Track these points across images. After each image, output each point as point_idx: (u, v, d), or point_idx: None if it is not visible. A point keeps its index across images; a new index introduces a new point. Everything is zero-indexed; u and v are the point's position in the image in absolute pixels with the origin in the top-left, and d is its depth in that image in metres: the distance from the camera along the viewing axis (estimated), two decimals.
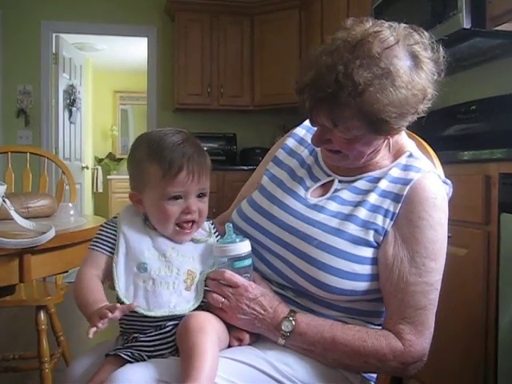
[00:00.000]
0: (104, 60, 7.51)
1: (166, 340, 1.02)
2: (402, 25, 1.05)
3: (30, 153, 2.67)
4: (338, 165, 1.16)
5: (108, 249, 1.07)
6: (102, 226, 1.12)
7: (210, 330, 0.97)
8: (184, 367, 0.91)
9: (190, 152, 1.06)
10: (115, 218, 1.13)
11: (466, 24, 2.28)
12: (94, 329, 0.92)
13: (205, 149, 1.14)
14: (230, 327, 1.06)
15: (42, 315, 2.13)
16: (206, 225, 1.16)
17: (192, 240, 1.11)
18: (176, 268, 1.05)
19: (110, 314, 0.91)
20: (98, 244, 1.08)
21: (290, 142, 1.30)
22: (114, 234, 1.09)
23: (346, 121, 1.00)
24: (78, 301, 1.02)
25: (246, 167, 4.73)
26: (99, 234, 1.10)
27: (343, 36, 1.02)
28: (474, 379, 1.77)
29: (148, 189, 1.08)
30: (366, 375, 1.12)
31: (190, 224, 1.08)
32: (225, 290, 1.05)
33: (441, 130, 2.75)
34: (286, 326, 1.03)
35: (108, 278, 1.07)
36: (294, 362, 1.03)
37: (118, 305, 0.93)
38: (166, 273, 1.04)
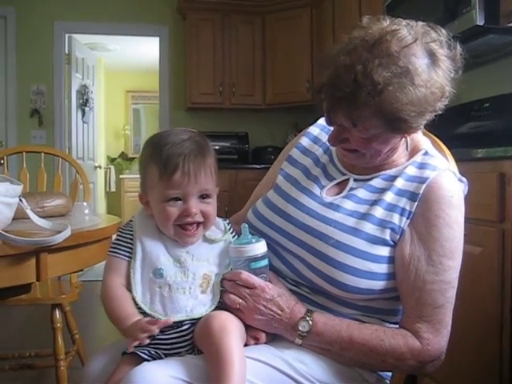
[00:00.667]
0: (116, 60, 7.56)
1: (184, 338, 1.02)
2: (420, 23, 1.04)
3: (45, 153, 2.69)
4: (354, 163, 1.16)
5: (127, 254, 1.08)
6: (119, 230, 1.13)
7: (232, 330, 0.98)
8: (213, 372, 0.92)
9: (187, 151, 1.04)
10: (131, 221, 1.13)
11: (480, 21, 2.26)
12: (137, 342, 0.94)
13: (212, 147, 1.11)
14: (246, 326, 1.06)
15: (57, 313, 2.15)
16: (222, 223, 1.15)
17: (206, 241, 1.11)
18: (192, 273, 1.05)
19: (155, 330, 0.94)
20: (116, 250, 1.09)
21: (304, 140, 1.30)
22: (131, 239, 1.09)
23: (365, 120, 1.00)
24: (109, 313, 1.04)
25: (258, 166, 4.73)
26: (117, 239, 1.11)
27: (360, 35, 1.02)
28: (488, 377, 1.76)
29: (150, 190, 1.08)
30: (381, 373, 1.12)
31: (194, 226, 1.07)
32: (242, 290, 1.05)
33: (454, 127, 2.73)
34: (303, 326, 1.03)
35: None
36: (311, 360, 1.03)
37: (158, 320, 0.96)
38: (181, 278, 1.04)
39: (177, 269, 1.05)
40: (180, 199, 1.05)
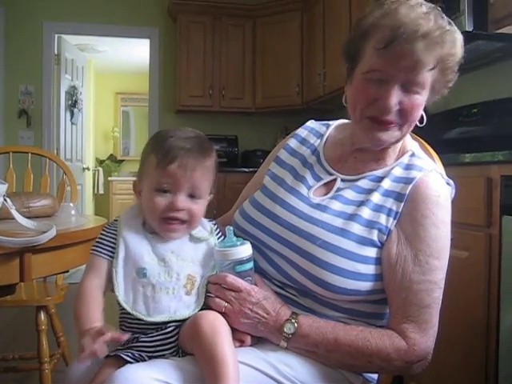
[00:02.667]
0: (106, 61, 7.52)
1: (168, 341, 1.01)
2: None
3: (32, 153, 2.67)
4: (378, 141, 1.09)
5: (109, 253, 1.06)
6: (102, 229, 1.11)
7: (223, 330, 0.97)
8: (208, 373, 0.91)
9: (190, 147, 1.05)
10: (116, 220, 1.12)
11: (468, 27, 2.29)
12: (84, 356, 0.90)
13: (215, 155, 1.11)
14: (232, 328, 1.04)
15: (42, 315, 2.13)
16: (208, 225, 1.15)
17: (192, 240, 1.10)
18: (176, 273, 1.04)
19: (98, 352, 0.90)
20: (98, 249, 1.07)
21: (292, 142, 1.30)
22: (114, 238, 1.07)
23: (444, 61, 1.03)
24: (74, 314, 1.01)
25: (247, 169, 4.72)
26: (100, 238, 1.09)
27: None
28: (474, 381, 1.76)
29: (144, 178, 1.08)
30: (367, 376, 1.11)
31: (177, 221, 1.06)
32: (227, 294, 1.04)
33: (443, 132, 2.75)
34: (289, 328, 1.02)
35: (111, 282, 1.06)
36: (296, 363, 1.03)
37: (108, 334, 0.91)
38: (165, 278, 1.03)
39: (161, 268, 1.04)
40: (169, 191, 1.05)
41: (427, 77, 1.03)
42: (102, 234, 1.10)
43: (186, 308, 1.03)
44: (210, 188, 1.11)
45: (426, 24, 1.00)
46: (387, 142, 1.10)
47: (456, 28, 1.05)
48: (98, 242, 1.09)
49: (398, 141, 1.11)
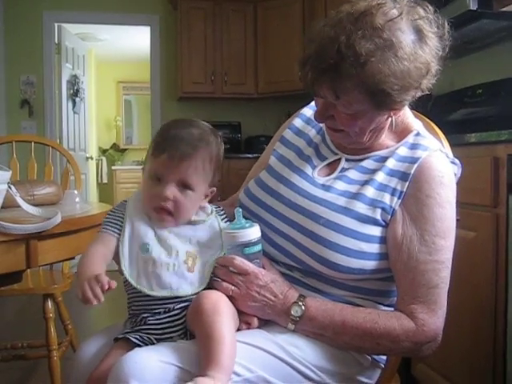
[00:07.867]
0: (107, 50, 7.49)
1: (175, 323, 1.01)
2: None
3: (35, 142, 2.67)
4: (341, 142, 1.16)
5: (117, 230, 1.08)
6: (110, 210, 1.13)
7: (224, 311, 0.97)
8: (203, 353, 0.91)
9: (182, 137, 1.06)
10: (125, 201, 1.13)
11: (473, 5, 2.25)
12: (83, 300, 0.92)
13: (220, 150, 1.13)
14: (239, 311, 1.04)
15: (50, 303, 2.14)
16: (209, 208, 1.15)
17: (190, 222, 1.10)
18: (175, 250, 1.05)
19: (91, 300, 0.92)
20: (106, 226, 1.09)
21: (297, 122, 1.29)
22: (121, 217, 1.09)
23: (348, 92, 0.99)
24: (78, 268, 1.01)
25: (250, 155, 4.72)
26: (108, 217, 1.11)
27: (346, 9, 1.02)
28: (482, 363, 1.76)
29: (146, 165, 1.11)
30: (376, 357, 1.11)
31: (164, 211, 1.06)
32: (235, 277, 1.04)
33: (448, 114, 2.72)
34: (296, 311, 1.02)
35: (116, 261, 1.07)
36: (304, 344, 1.03)
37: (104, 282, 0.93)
38: (166, 255, 1.04)
39: (161, 247, 1.05)
40: (159, 180, 1.06)
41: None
42: (109, 214, 1.12)
43: (188, 285, 1.03)
44: (209, 181, 1.11)
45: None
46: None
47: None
48: (106, 220, 1.10)
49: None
